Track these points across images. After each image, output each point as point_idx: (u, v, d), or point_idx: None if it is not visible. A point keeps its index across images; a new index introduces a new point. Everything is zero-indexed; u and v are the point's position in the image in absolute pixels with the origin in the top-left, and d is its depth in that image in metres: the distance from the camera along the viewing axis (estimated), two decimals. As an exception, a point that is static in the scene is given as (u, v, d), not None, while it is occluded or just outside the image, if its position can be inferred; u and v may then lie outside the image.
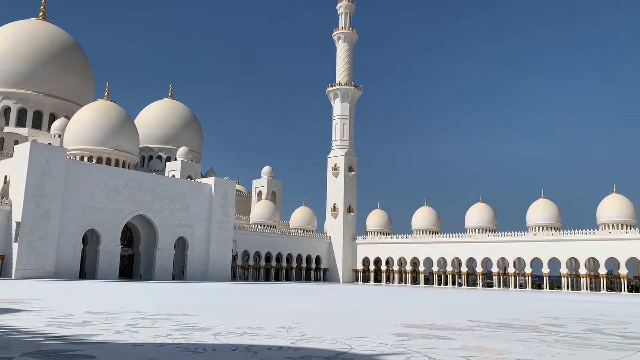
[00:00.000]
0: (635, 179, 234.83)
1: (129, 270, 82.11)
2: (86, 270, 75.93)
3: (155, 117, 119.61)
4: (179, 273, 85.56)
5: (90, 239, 76.91)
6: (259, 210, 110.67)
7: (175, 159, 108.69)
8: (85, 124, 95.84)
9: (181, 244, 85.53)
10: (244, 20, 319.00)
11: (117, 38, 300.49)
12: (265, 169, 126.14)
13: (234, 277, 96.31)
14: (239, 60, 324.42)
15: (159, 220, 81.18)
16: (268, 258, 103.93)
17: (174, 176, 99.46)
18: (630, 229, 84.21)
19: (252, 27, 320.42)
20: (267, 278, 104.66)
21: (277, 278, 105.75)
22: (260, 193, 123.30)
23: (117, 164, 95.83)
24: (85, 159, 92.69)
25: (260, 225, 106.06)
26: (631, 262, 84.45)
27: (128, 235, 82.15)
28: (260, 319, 17.19)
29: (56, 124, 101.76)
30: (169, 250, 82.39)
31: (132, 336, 11.53)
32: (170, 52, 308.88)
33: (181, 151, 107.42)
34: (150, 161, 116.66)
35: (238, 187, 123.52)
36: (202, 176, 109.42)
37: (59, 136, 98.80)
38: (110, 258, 75.45)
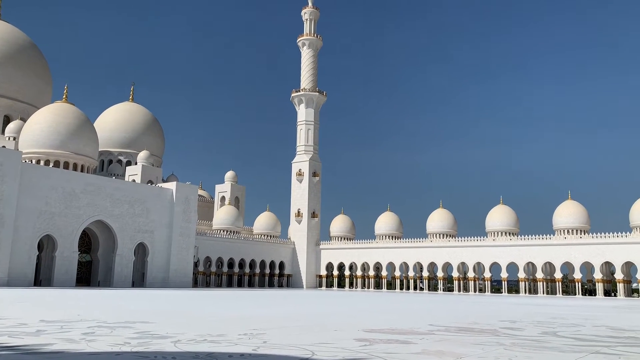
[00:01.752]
0: (590, 186, 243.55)
1: (86, 277, 79.98)
2: (41, 278, 73.58)
3: (116, 120, 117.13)
4: (139, 280, 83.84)
5: (46, 245, 74.59)
6: (222, 215, 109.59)
7: (136, 164, 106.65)
8: (42, 127, 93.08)
9: (141, 250, 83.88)
10: (208, 23, 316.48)
11: (77, 39, 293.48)
12: (229, 174, 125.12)
13: (195, 284, 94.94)
14: (203, 64, 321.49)
15: (119, 226, 79.44)
16: (231, 264, 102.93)
17: (134, 181, 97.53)
18: (585, 234, 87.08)
19: (216, 31, 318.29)
20: (229, 284, 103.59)
21: (239, 284, 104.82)
22: (223, 198, 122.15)
23: (75, 168, 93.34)
24: (42, 163, 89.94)
25: (223, 231, 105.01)
26: (585, 267, 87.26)
27: (86, 241, 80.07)
28: (222, 326, 17.00)
29: (11, 126, 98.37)
30: (128, 257, 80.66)
31: (89, 345, 11.22)
32: (132, 55, 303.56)
33: (142, 155, 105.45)
34: (110, 165, 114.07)
35: (200, 192, 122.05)
36: (164, 181, 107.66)
37: (14, 139, 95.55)
38: (67, 265, 73.33)
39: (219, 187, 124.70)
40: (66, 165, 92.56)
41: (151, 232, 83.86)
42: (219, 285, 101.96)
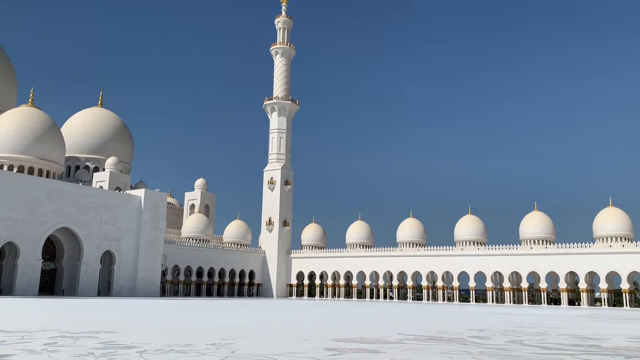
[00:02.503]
0: (555, 197, 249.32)
1: (50, 285, 77.89)
2: (2, 286, 71.36)
3: (84, 125, 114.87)
4: (105, 289, 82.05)
5: (8, 252, 72.42)
6: (192, 223, 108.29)
7: (104, 170, 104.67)
8: (6, 131, 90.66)
9: (108, 258, 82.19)
10: (180, 29, 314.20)
11: (44, 43, 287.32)
12: (199, 182, 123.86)
13: (163, 293, 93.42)
14: (174, 70, 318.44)
15: (85, 233, 77.70)
16: (200, 273, 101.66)
17: (101, 187, 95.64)
18: (550, 244, 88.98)
19: (188, 37, 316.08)
20: (198, 294, 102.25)
21: (208, 294, 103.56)
22: (193, 206, 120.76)
23: (40, 174, 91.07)
24: (6, 168, 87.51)
25: (193, 240, 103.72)
26: (550, 276, 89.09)
27: (50, 249, 78.05)
28: (189, 336, 16.74)
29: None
30: (94, 265, 78.90)
31: (50, 356, 10.90)
32: (102, 59, 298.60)
33: (110, 161, 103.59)
34: (76, 171, 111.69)
35: (170, 199, 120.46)
36: (132, 188, 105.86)
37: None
38: (29, 273, 71.25)
39: (188, 195, 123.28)
40: (31, 171, 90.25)
41: (118, 240, 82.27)
42: (187, 294, 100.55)
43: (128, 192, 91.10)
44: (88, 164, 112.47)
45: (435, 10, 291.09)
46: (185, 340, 14.97)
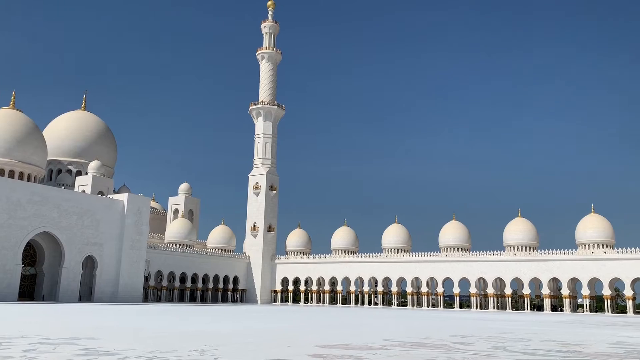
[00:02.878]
0: (538, 204, 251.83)
1: (30, 291, 76.62)
2: (-20, 292, 69.95)
3: (66, 128, 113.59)
4: (86, 294, 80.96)
5: (-14, 257, 71.07)
6: (175, 228, 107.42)
7: (86, 174, 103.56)
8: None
9: (90, 263, 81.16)
10: (165, 32, 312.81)
11: (27, 44, 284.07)
12: (183, 186, 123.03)
13: (145, 299, 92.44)
14: (159, 74, 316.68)
15: (66, 238, 76.65)
16: (183, 279, 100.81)
17: (84, 191, 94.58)
18: (533, 251, 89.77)
19: (174, 41, 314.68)
20: (181, 300, 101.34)
21: (192, 299, 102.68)
22: (176, 211, 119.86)
23: (21, 177, 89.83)
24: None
25: (176, 245, 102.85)
26: (534, 282, 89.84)
27: (31, 254, 76.83)
28: (172, 342, 16.52)
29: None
30: (76, 270, 77.83)
31: (28, 363, 10.65)
32: (86, 62, 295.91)
33: (93, 165, 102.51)
34: (58, 175, 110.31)
35: (153, 204, 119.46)
36: (115, 192, 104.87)
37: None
38: (9, 278, 70.02)
39: (172, 200, 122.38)
40: (11, 174, 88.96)
41: (100, 245, 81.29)
42: (170, 300, 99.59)
43: (111, 196, 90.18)
44: (70, 167, 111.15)
45: (420, 17, 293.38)
46: (168, 346, 14.76)
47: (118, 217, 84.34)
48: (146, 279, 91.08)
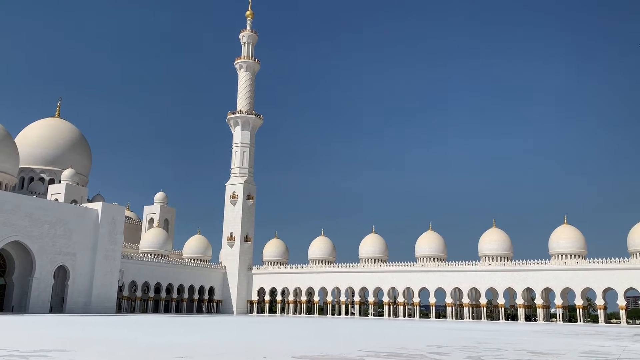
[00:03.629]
0: (513, 214, 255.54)
1: (-2, 302, 74.65)
2: (-53, 303, 67.93)
3: (39, 136, 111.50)
4: (58, 305, 79.17)
5: (-47, 267, 69.13)
6: (150, 238, 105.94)
7: (60, 182, 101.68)
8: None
9: (62, 274, 79.45)
10: (142, 40, 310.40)
11: (0, 50, 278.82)
12: (159, 195, 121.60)
13: (119, 310, 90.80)
14: (135, 82, 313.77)
15: (38, 247, 74.98)
16: (158, 289, 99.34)
17: (57, 200, 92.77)
18: (508, 261, 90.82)
19: (151, 49, 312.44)
20: (155, 310, 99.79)
21: (166, 310, 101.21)
22: (152, 220, 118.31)
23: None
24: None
25: (151, 254, 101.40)
26: (508, 292, 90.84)
27: (0, 263, 74.92)
28: (146, 354, 16.25)
29: None
30: (47, 280, 76.10)
31: (-4, 377, 10.37)
32: (61, 69, 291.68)
33: (66, 173, 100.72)
34: (31, 183, 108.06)
35: (128, 213, 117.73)
36: (89, 201, 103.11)
37: None
38: (-23, 289, 68.11)
39: (147, 209, 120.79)
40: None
41: (73, 255, 79.70)
42: (144, 311, 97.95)
43: (85, 205, 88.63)
44: (43, 175, 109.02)
45: (398, 28, 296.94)
46: (142, 358, 14.51)
47: (92, 226, 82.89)
48: (120, 289, 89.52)
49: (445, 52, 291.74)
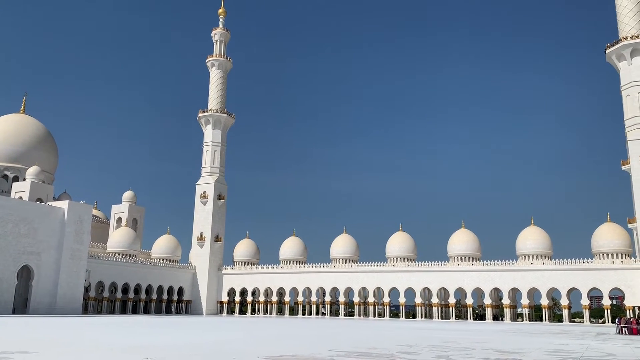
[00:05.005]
0: (481, 215, 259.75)
1: (-42, 303, 72.19)
2: None
3: (4, 132, 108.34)
4: (21, 306, 77.04)
5: None
6: (118, 237, 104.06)
7: (24, 179, 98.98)
8: None
9: (25, 274, 77.35)
10: (111, 35, 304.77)
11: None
12: (127, 194, 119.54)
13: (85, 310, 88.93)
14: (105, 78, 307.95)
15: (0, 247, 72.82)
16: (126, 289, 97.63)
17: (21, 198, 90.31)
18: (476, 261, 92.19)
19: (120, 45, 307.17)
20: (123, 311, 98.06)
21: (134, 311, 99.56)
22: (120, 219, 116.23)
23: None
24: None
25: (119, 254, 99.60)
26: (476, 292, 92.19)
27: (-40, 263, 72.53)
28: (112, 356, 15.93)
29: None
30: (10, 280, 73.97)
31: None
32: (26, 64, 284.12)
33: (31, 171, 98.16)
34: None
35: (95, 212, 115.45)
36: (55, 199, 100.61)
37: None
38: None
39: (115, 208, 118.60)
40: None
41: (38, 254, 77.70)
42: (112, 311, 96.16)
43: (50, 203, 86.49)
44: (7, 173, 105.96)
45: (365, 29, 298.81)
46: (107, 360, 14.22)
47: (57, 225, 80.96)
48: (86, 289, 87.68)
49: (414, 56, 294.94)
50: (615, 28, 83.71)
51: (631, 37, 79.87)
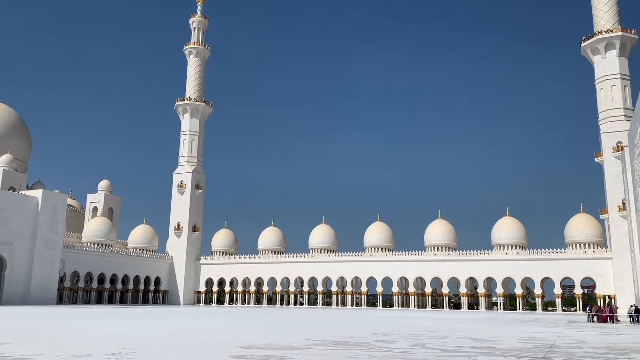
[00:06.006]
0: (458, 206, 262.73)
1: None
2: None
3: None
4: (-7, 296, 75.63)
5: None
6: (94, 227, 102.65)
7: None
8: None
9: (-2, 264, 75.90)
10: (86, 23, 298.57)
11: None
12: (103, 183, 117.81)
13: (60, 301, 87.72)
14: (80, 64, 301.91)
15: (-29, 237, 71.25)
16: (101, 279, 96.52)
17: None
18: (452, 251, 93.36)
19: (96, 32, 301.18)
20: (99, 301, 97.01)
21: (110, 301, 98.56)
22: (95, 209, 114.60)
23: None
24: None
25: (94, 244, 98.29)
26: (452, 282, 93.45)
27: None
28: (88, 346, 15.77)
29: None
30: (-19, 271, 72.52)
31: None
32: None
33: (3, 159, 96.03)
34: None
35: (70, 201, 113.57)
36: (29, 188, 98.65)
37: None
38: None
39: (91, 197, 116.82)
40: None
41: (10, 244, 76.22)
42: (87, 302, 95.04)
43: (24, 192, 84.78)
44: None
45: (345, 19, 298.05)
46: (82, 350, 14.09)
47: (31, 214, 79.46)
48: (61, 279, 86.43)
49: (395, 46, 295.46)
50: (591, 22, 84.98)
51: (605, 32, 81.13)
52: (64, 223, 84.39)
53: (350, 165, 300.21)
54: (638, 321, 43.08)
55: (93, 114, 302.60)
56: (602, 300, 77.42)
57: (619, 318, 46.04)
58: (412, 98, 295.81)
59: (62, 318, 35.77)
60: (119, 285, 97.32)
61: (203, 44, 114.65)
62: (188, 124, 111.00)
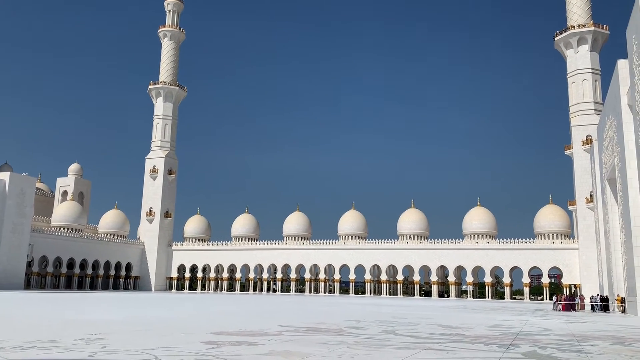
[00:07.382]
0: (430, 195, 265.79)
1: None
2: None
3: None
4: (-42, 281, 73.81)
5: None
6: (63, 211, 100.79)
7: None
8: None
9: (-37, 248, 74.01)
10: (57, 2, 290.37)
11: None
12: (73, 167, 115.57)
13: (28, 286, 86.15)
14: (50, 41, 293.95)
15: None
16: (71, 265, 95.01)
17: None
18: (424, 240, 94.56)
19: (66, 12, 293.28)
20: (68, 287, 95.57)
21: (80, 287, 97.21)
22: (65, 193, 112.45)
23: None
24: None
25: (64, 229, 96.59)
26: (423, 270, 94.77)
27: None
28: (55, 331, 15.53)
29: None
30: (-55, 255, 70.64)
31: None
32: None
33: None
34: None
35: (39, 184, 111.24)
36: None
37: None
38: None
39: (60, 181, 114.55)
40: None
41: (-24, 228, 74.31)
42: (56, 287, 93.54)
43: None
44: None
45: (324, 3, 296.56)
46: (50, 336, 13.86)
47: (-3, 197, 77.52)
48: (29, 264, 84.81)
49: (377, 34, 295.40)
50: (564, 17, 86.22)
51: (578, 26, 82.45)
52: (32, 207, 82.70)
53: (325, 153, 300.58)
54: (601, 309, 44.42)
55: (64, 96, 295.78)
56: (567, 289, 79.49)
57: (585, 307, 47.48)
58: (387, 87, 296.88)
59: (29, 303, 35.14)
60: (89, 271, 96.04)
61: (178, 27, 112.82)
62: (161, 108, 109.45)
